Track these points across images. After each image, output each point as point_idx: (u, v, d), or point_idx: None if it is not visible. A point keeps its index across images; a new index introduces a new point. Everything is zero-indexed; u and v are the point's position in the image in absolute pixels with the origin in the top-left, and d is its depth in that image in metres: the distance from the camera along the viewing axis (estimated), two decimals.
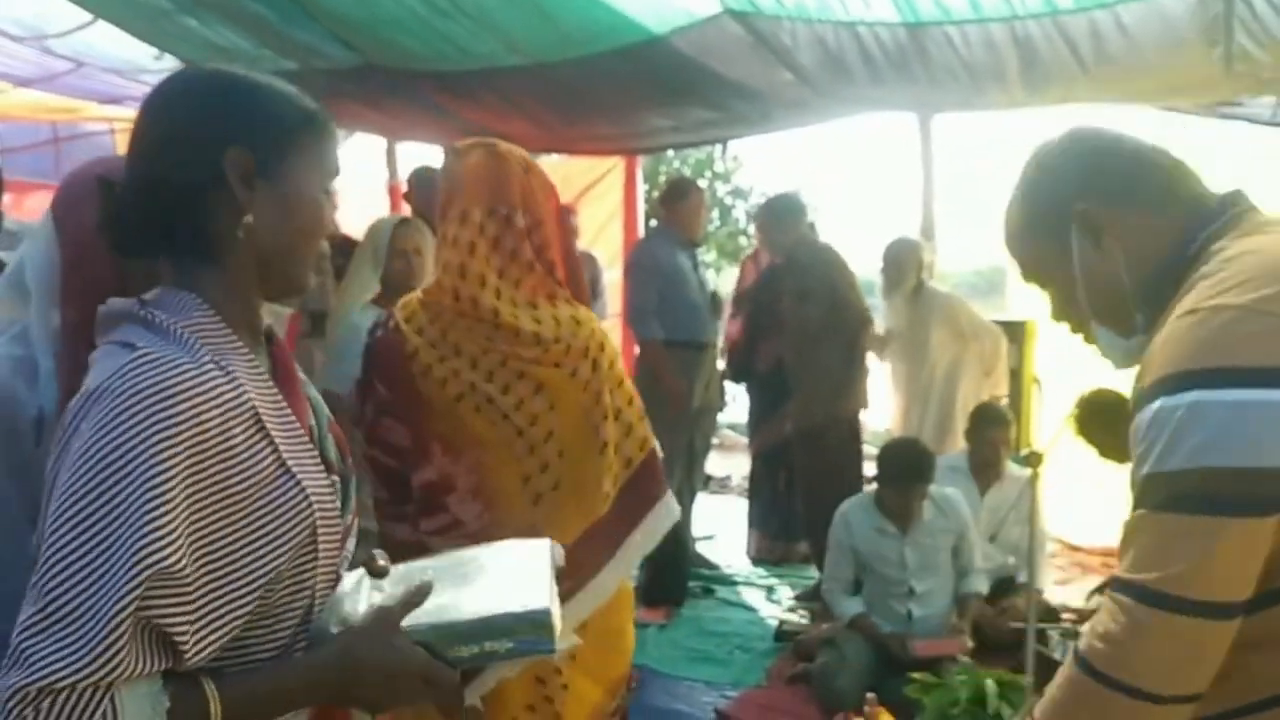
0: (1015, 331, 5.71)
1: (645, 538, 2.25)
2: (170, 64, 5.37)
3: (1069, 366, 5.53)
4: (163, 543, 1.04)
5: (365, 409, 2.21)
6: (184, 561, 1.06)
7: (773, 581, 5.62)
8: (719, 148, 16.31)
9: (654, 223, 6.58)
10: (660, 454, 2.33)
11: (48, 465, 1.12)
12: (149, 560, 1.03)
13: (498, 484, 2.15)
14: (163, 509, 1.05)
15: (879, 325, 5.58)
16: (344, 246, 5.17)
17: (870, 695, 2.82)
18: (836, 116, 5.73)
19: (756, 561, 5.92)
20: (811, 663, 4.22)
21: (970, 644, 4.00)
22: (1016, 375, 5.59)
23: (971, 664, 3.62)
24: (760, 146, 24.22)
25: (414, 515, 2.16)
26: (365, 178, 8.09)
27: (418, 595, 1.25)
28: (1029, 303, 6.57)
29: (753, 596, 5.40)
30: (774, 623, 4.98)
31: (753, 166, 22.45)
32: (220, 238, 1.22)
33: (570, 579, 1.96)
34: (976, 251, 9.84)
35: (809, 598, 5.19)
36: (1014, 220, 1.50)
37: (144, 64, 5.56)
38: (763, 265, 6.05)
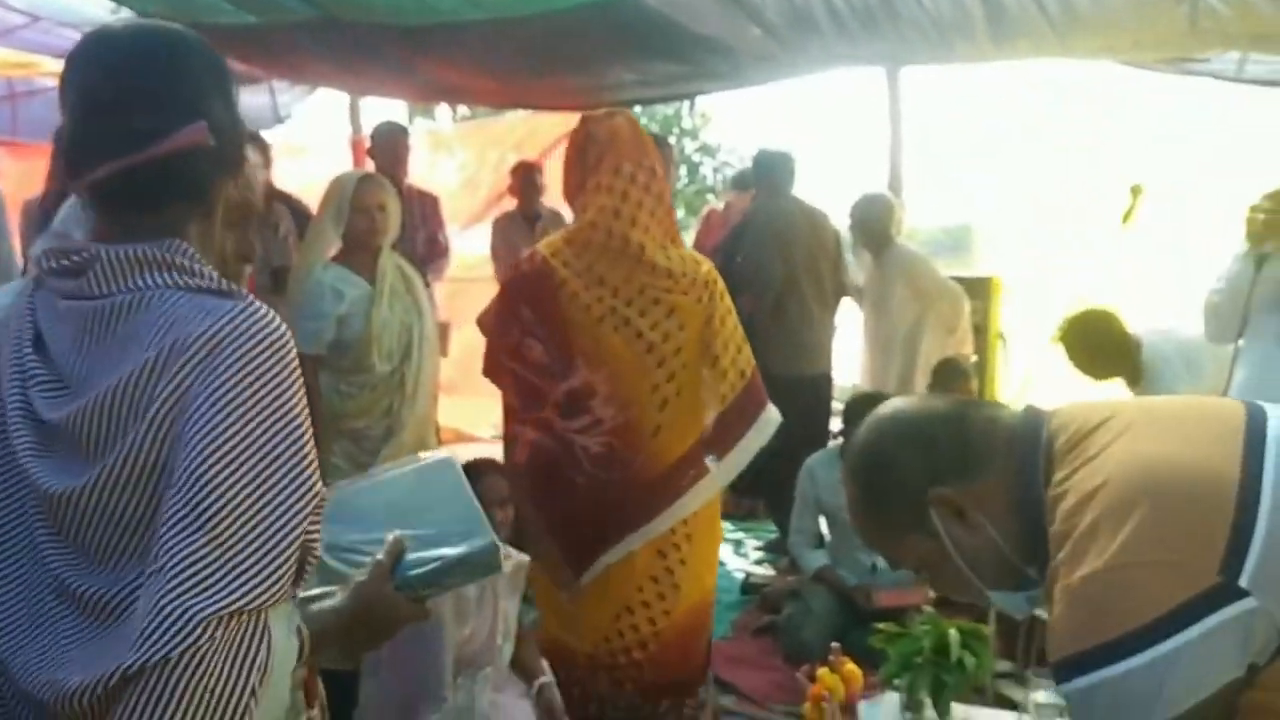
0: (980, 288, 5.74)
1: (757, 435, 2.77)
2: (126, 17, 5.27)
3: (1033, 323, 5.61)
4: (314, 471, 1.12)
5: (511, 330, 2.65)
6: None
7: (739, 536, 5.66)
8: (687, 104, 16.21)
9: None
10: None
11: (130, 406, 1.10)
12: (311, 489, 1.11)
13: (631, 392, 2.61)
14: (309, 441, 1.13)
15: (855, 278, 5.61)
16: (296, 206, 5.14)
17: (835, 645, 2.85)
18: (805, 72, 5.69)
19: (723, 516, 5.94)
20: (777, 615, 4.27)
21: (933, 594, 4.05)
22: (982, 331, 5.63)
23: (935, 614, 3.66)
24: (729, 103, 24.07)
25: (555, 417, 2.61)
26: (328, 134, 8.01)
27: (396, 548, 1.36)
28: (995, 260, 6.62)
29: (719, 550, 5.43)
30: (740, 576, 5.02)
31: (721, 123, 22.32)
32: (212, 195, 1.24)
33: (692, 469, 2.64)
34: (944, 209, 9.88)
35: (775, 551, 5.24)
36: (870, 527, 1.46)
37: (100, 18, 5.43)
38: (732, 221, 6.04)
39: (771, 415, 2.82)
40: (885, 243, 5.43)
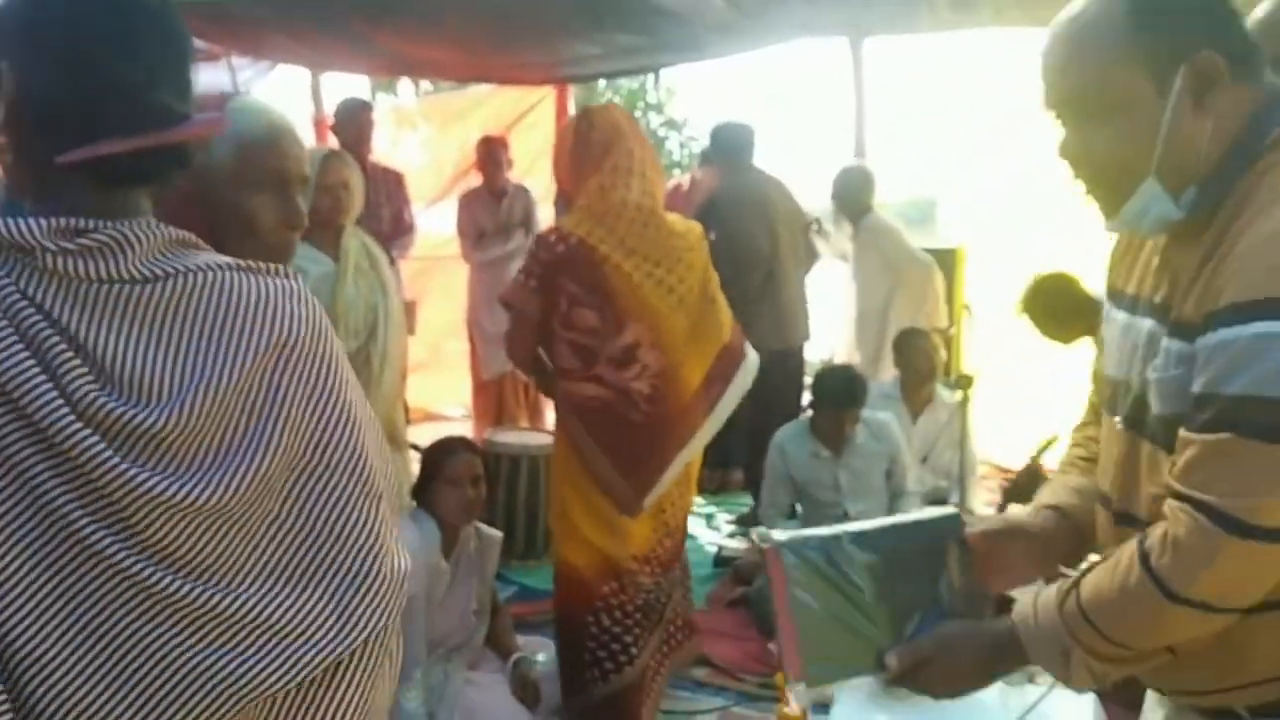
0: (945, 259, 5.77)
1: (745, 377, 3.28)
2: None
3: (999, 293, 5.64)
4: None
5: (559, 302, 3.05)
6: None
7: (711, 509, 5.68)
8: (651, 78, 16.15)
9: None
10: None
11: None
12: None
13: (667, 338, 3.11)
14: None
15: (830, 250, 5.65)
16: None
17: None
18: (768, 42, 5.68)
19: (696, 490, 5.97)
20: (749, 587, 4.29)
21: None
22: (947, 302, 5.66)
23: None
24: (694, 77, 24.09)
25: (610, 370, 3.07)
26: (289, 112, 7.90)
27: None
28: (959, 230, 6.64)
29: (692, 524, 5.43)
30: (713, 549, 5.04)
31: (686, 98, 22.27)
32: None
33: (709, 394, 3.20)
34: (909, 180, 9.91)
35: (746, 524, 5.26)
36: (1101, 41, 1.30)
37: None
38: (695, 199, 6.03)
39: (752, 355, 3.33)
40: (863, 213, 5.47)
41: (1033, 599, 1.39)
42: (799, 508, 4.39)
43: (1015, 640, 1.39)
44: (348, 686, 1.09)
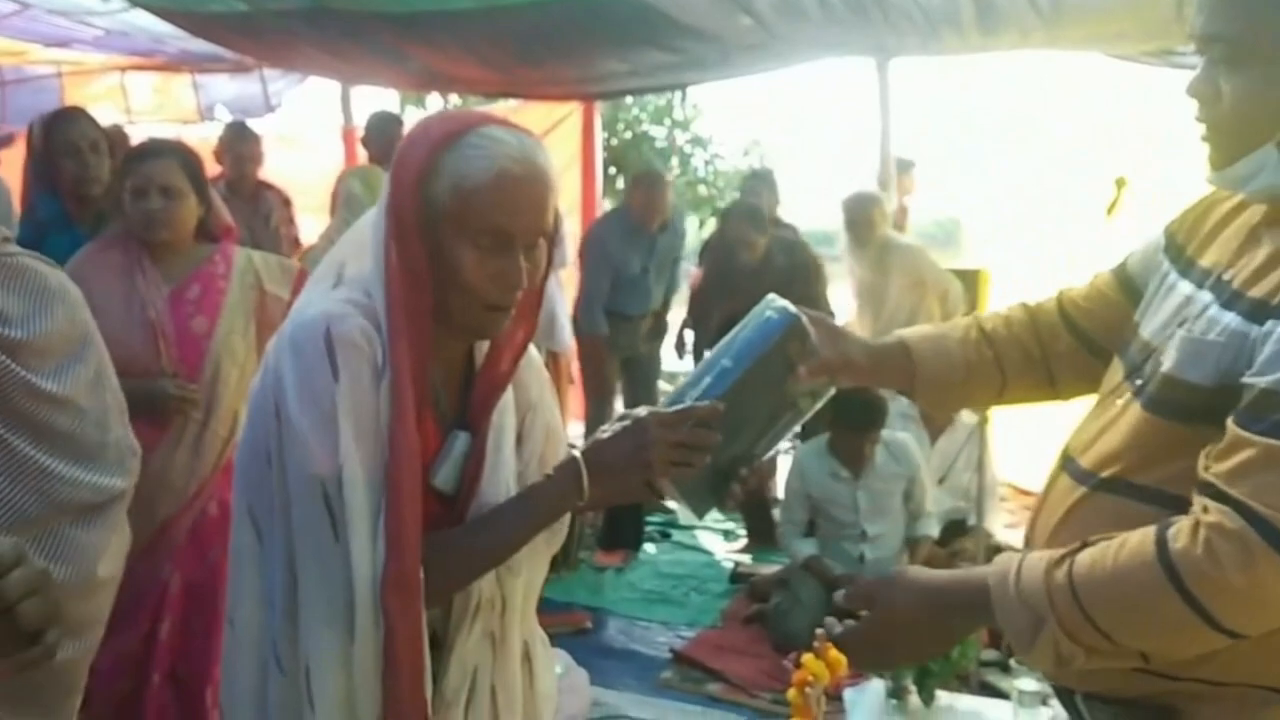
0: (969, 280, 5.74)
1: None
2: (118, 5, 5.25)
3: None
4: None
5: None
6: None
7: (729, 525, 5.68)
8: (678, 95, 16.17)
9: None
10: None
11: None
12: None
13: None
14: None
15: (844, 275, 5.68)
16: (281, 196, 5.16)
17: (820, 631, 2.86)
18: (795, 61, 5.71)
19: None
20: (765, 604, 4.29)
21: None
22: None
23: None
24: (721, 95, 24.08)
25: None
26: (319, 123, 7.98)
27: None
28: (983, 252, 6.63)
29: (709, 540, 5.46)
30: (729, 565, 5.04)
31: (712, 115, 22.28)
32: None
33: None
34: (933, 202, 9.90)
35: (751, 549, 5.26)
36: None
37: (91, 6, 5.42)
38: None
39: None
40: (870, 237, 5.54)
41: (1018, 558, 1.28)
42: (816, 524, 4.39)
43: (984, 595, 1.26)
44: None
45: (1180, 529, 1.17)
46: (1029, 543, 1.45)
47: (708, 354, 1.47)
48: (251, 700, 1.42)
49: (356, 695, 1.33)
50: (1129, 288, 1.52)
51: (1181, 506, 1.21)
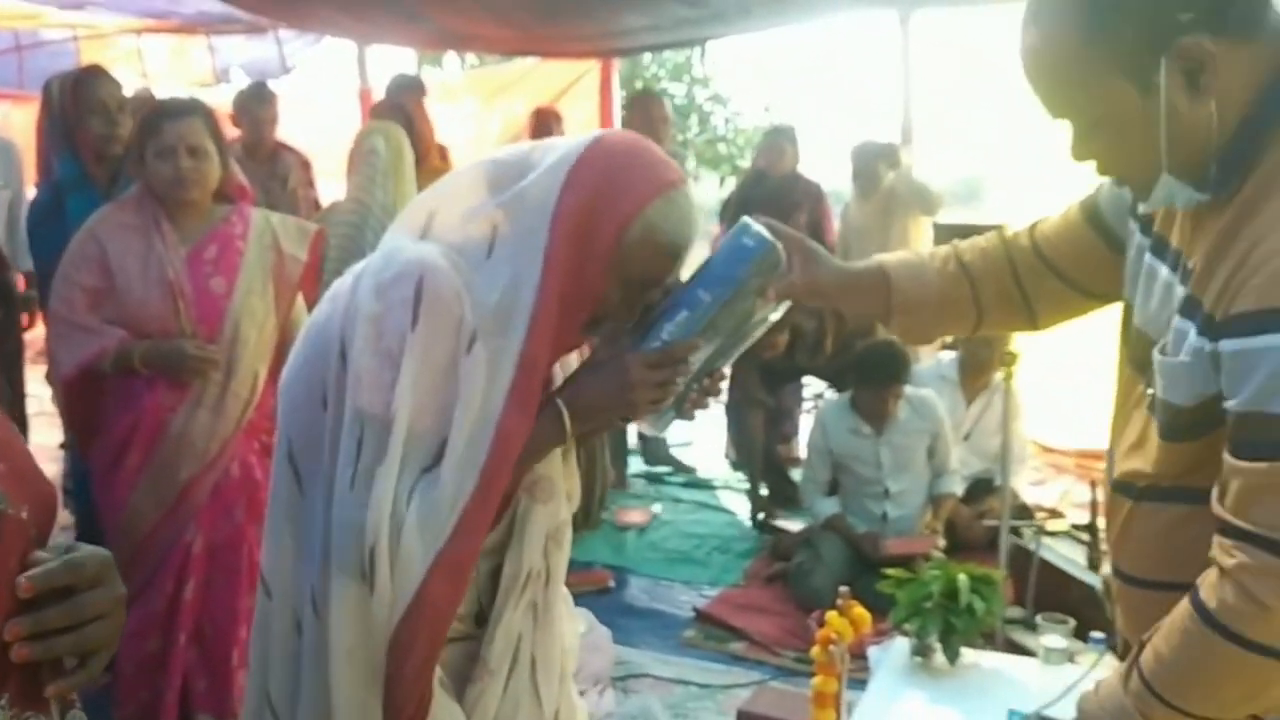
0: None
1: None
2: None
3: None
4: None
5: None
6: None
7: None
8: (698, 52, 16.04)
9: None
10: None
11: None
12: None
13: None
14: None
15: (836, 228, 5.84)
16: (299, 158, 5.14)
17: (844, 589, 2.86)
18: (817, 13, 5.64)
19: (735, 465, 5.97)
20: (788, 562, 4.29)
21: (942, 543, 4.06)
22: None
23: (944, 560, 3.67)
24: (741, 52, 23.80)
25: None
26: (335, 84, 7.95)
27: None
28: (1006, 208, 6.58)
29: (730, 500, 5.46)
30: (750, 524, 5.04)
31: (732, 73, 22.08)
32: None
33: None
34: (956, 160, 9.82)
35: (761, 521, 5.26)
36: (1064, 62, 1.21)
37: None
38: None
39: None
40: (874, 188, 5.72)
41: (1095, 687, 1.31)
42: (839, 481, 4.36)
43: None
44: None
45: (1207, 585, 1.18)
46: (1107, 555, 1.49)
47: (684, 277, 1.44)
48: (283, 657, 1.41)
49: (373, 650, 1.30)
50: (1101, 227, 1.50)
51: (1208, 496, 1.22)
